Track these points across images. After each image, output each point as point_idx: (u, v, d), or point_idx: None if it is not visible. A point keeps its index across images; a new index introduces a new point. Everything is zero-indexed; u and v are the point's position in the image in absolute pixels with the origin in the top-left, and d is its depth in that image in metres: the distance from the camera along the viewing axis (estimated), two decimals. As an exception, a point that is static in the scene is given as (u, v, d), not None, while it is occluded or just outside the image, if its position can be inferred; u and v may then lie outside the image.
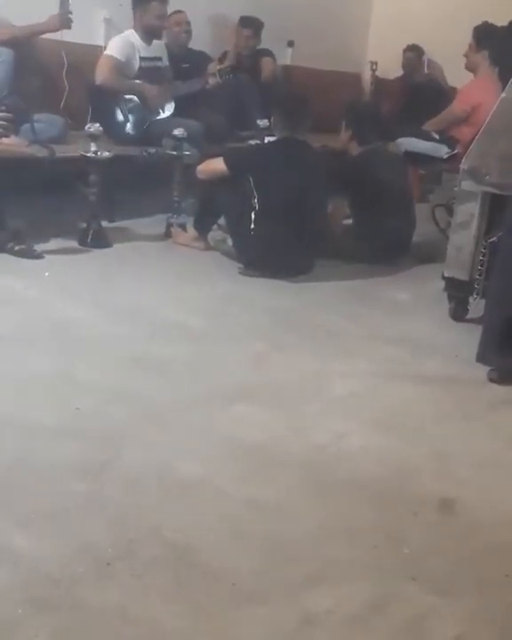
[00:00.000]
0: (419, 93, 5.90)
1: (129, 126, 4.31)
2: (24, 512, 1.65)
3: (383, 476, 1.92)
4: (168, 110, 4.45)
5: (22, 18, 3.91)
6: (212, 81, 4.56)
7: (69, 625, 1.37)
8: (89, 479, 1.78)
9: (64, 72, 4.35)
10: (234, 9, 5.36)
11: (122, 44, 4.34)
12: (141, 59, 4.40)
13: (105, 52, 4.36)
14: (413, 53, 6.21)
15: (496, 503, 1.86)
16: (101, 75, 4.27)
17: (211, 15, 5.31)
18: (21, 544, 1.54)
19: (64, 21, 3.91)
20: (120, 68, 4.31)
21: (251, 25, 5.21)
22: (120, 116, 4.30)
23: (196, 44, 5.01)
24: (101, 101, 4.30)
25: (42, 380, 2.27)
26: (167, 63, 4.58)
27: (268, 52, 5.45)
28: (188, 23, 4.86)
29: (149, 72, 4.44)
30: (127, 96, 4.30)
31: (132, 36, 4.39)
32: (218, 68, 4.58)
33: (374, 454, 2.02)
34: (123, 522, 1.64)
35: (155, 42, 4.47)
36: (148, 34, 4.40)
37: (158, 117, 4.39)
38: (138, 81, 4.37)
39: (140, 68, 4.40)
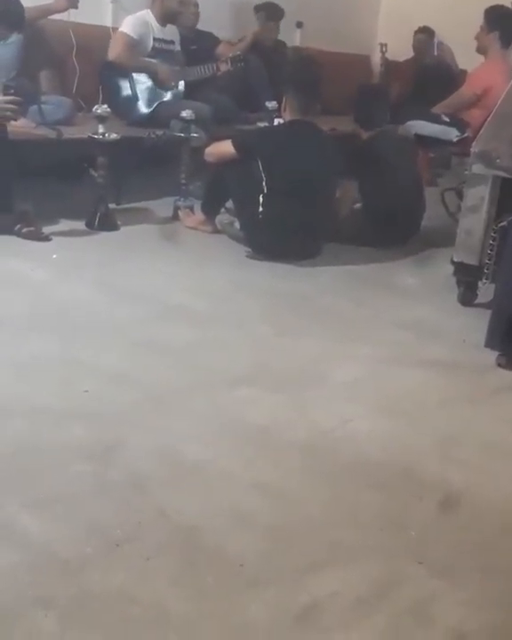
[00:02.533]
0: (429, 76, 5.85)
1: (139, 105, 4.30)
2: (32, 494, 1.66)
3: (389, 460, 1.92)
4: (178, 91, 4.44)
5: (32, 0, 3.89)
6: (223, 68, 4.54)
7: (78, 606, 1.38)
8: (96, 462, 1.79)
9: (74, 54, 4.33)
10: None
11: (137, 22, 4.35)
12: (155, 39, 4.41)
13: (119, 29, 4.36)
14: (424, 35, 6.15)
15: (502, 488, 1.86)
16: (115, 51, 4.28)
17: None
18: (30, 526, 1.55)
19: (71, 1, 3.89)
20: (133, 45, 4.31)
21: (275, 16, 5.26)
22: (130, 95, 4.28)
23: (205, 26, 4.97)
24: (112, 79, 4.29)
25: (48, 362, 2.28)
26: (179, 48, 4.57)
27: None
28: (196, 5, 4.84)
29: (162, 54, 4.44)
30: (137, 76, 4.28)
31: (147, 15, 4.40)
32: (230, 55, 4.56)
33: (380, 439, 2.02)
34: (130, 504, 1.65)
35: (168, 25, 4.46)
36: (164, 17, 4.41)
37: (168, 98, 4.38)
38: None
39: (154, 48, 4.41)
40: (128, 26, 4.34)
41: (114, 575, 1.46)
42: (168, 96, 4.40)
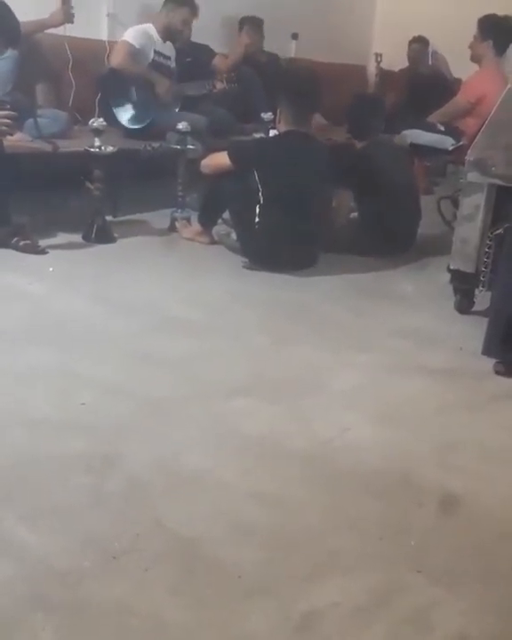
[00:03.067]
0: (424, 85, 5.89)
1: (136, 115, 4.32)
2: (29, 506, 1.65)
3: (388, 467, 1.92)
4: (174, 107, 4.48)
5: (27, 15, 3.91)
6: (219, 86, 4.58)
7: (75, 619, 1.37)
8: (93, 473, 1.78)
9: (69, 68, 4.36)
10: (238, 2, 5.36)
11: (140, 33, 4.41)
12: (155, 52, 4.44)
13: (122, 38, 4.41)
14: (419, 45, 6.19)
15: (501, 495, 1.85)
16: (117, 58, 4.33)
17: (216, 9, 5.30)
18: (27, 538, 1.55)
19: (67, 16, 3.92)
20: (135, 54, 4.35)
21: (251, 22, 5.33)
22: (128, 104, 4.31)
23: (199, 38, 5.01)
24: (111, 89, 4.32)
25: (45, 374, 2.28)
26: (175, 65, 4.61)
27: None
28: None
29: (160, 68, 4.49)
30: (135, 87, 4.31)
31: (150, 28, 4.46)
32: (225, 75, 4.61)
33: (379, 446, 2.02)
34: (128, 516, 1.65)
35: (168, 42, 4.51)
36: (166, 33, 4.48)
37: (164, 112, 4.40)
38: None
39: (154, 60, 4.44)
40: (131, 35, 4.39)
41: (112, 587, 1.45)
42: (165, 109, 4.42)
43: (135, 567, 1.50)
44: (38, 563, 1.49)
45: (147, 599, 1.43)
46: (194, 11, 4.53)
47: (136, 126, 4.32)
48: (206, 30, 4.95)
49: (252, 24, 5.34)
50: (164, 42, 4.52)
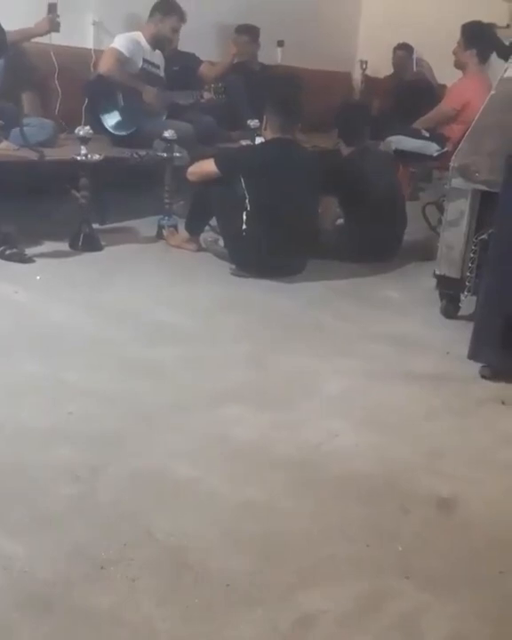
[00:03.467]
0: (409, 92, 5.92)
1: (122, 122, 4.32)
2: (17, 516, 1.65)
3: (376, 473, 1.93)
4: (161, 115, 4.48)
5: (11, 22, 3.91)
6: (206, 96, 4.60)
7: (63, 629, 1.36)
8: (81, 483, 1.78)
9: (55, 77, 4.35)
10: (224, 10, 5.38)
11: (129, 41, 4.42)
12: (144, 60, 4.45)
13: (111, 45, 4.42)
14: (403, 52, 6.24)
15: (488, 500, 1.86)
16: (105, 65, 4.33)
17: (202, 17, 5.32)
18: (14, 549, 1.54)
19: (52, 25, 3.92)
20: (124, 61, 4.36)
21: (247, 31, 5.35)
22: (114, 111, 4.31)
23: (186, 46, 5.02)
24: (98, 95, 4.32)
25: (33, 383, 2.27)
26: (163, 74, 4.62)
27: None
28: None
29: (148, 77, 4.49)
30: (123, 94, 4.31)
31: (138, 36, 4.47)
32: (212, 85, 4.62)
33: (367, 452, 2.03)
34: (116, 525, 1.64)
35: (157, 51, 4.52)
36: (155, 41, 4.49)
37: (151, 119, 4.40)
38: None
39: (142, 68, 4.45)
40: (120, 42, 4.39)
41: (100, 597, 1.44)
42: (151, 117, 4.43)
43: (123, 577, 1.49)
44: (25, 573, 1.48)
45: (135, 609, 1.42)
46: (182, 18, 4.55)
47: (122, 133, 4.32)
48: (193, 38, 4.97)
49: (242, 33, 5.36)
50: (153, 50, 4.53)
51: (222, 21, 5.45)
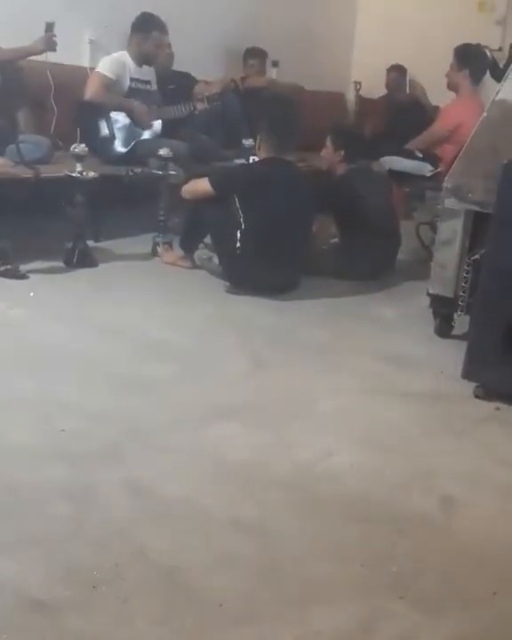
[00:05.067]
0: (402, 113, 5.97)
1: (116, 144, 4.33)
2: (8, 535, 1.63)
3: (369, 493, 1.92)
4: (155, 130, 4.50)
5: (8, 40, 3.94)
6: (200, 106, 4.62)
7: (54, 650, 1.35)
8: (73, 502, 1.77)
9: (52, 95, 4.37)
10: (219, 30, 5.44)
11: (113, 63, 4.42)
12: (132, 79, 4.47)
13: (96, 70, 4.42)
14: (396, 73, 6.30)
15: (482, 520, 1.86)
16: (91, 90, 4.33)
17: (198, 38, 5.37)
18: (6, 568, 1.53)
19: (49, 44, 3.94)
20: (110, 85, 4.37)
21: (257, 55, 5.55)
22: (107, 134, 4.32)
23: (182, 66, 5.06)
24: (88, 119, 4.33)
25: (25, 401, 2.26)
26: (156, 88, 4.64)
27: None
28: (169, 45, 4.92)
29: (139, 93, 4.50)
30: (114, 115, 4.33)
31: (124, 56, 4.47)
32: (206, 94, 4.65)
33: (360, 472, 2.02)
34: (108, 545, 1.63)
35: (145, 66, 4.54)
36: (140, 58, 4.49)
37: (144, 137, 4.43)
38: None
39: (130, 88, 4.47)
40: (104, 66, 4.40)
41: (92, 617, 1.43)
42: (146, 134, 4.45)
43: (115, 597, 1.48)
44: (17, 593, 1.47)
45: (127, 629, 1.41)
46: (163, 30, 4.50)
47: (114, 155, 4.33)
48: (189, 58, 5.01)
49: (260, 58, 5.60)
50: (141, 66, 4.53)
51: (218, 42, 5.50)
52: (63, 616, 1.42)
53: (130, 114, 4.36)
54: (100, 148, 4.26)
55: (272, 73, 6.07)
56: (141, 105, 4.41)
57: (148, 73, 4.59)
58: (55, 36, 3.91)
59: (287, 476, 1.97)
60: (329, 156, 4.05)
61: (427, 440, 2.25)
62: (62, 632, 1.38)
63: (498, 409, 2.46)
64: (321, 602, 1.53)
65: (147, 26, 4.46)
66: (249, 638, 1.42)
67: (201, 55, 5.40)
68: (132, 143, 4.36)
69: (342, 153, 3.99)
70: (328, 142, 4.06)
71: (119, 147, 4.33)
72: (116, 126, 4.35)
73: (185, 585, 1.53)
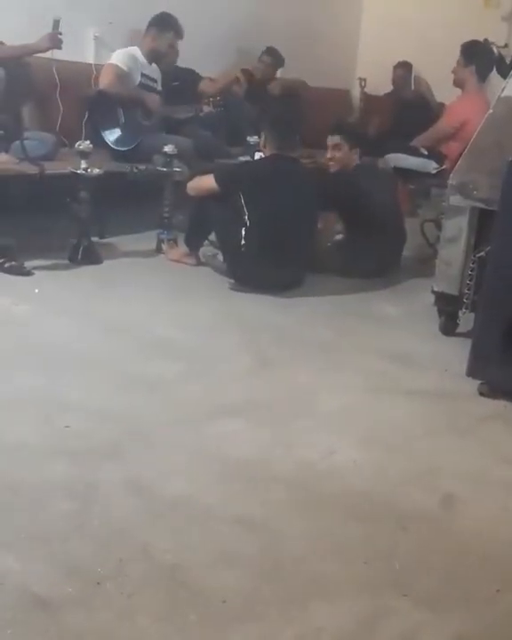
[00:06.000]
0: (407, 110, 5.95)
1: (122, 137, 4.34)
2: (12, 532, 1.64)
3: (373, 491, 1.92)
4: (160, 130, 4.51)
5: (13, 37, 3.94)
6: (205, 109, 4.63)
7: (58, 646, 1.35)
8: (77, 498, 1.77)
9: (57, 92, 4.37)
10: (223, 27, 5.42)
11: (127, 55, 4.45)
12: (142, 75, 4.48)
13: (109, 61, 4.45)
14: (403, 70, 6.27)
15: (486, 517, 1.85)
16: (105, 80, 4.37)
17: (202, 34, 5.36)
18: (9, 565, 1.53)
19: (54, 42, 3.93)
20: (123, 76, 4.39)
21: (272, 54, 5.69)
22: (116, 127, 4.33)
23: (186, 62, 5.06)
24: (99, 110, 4.34)
25: (29, 398, 2.26)
26: (161, 88, 4.66)
27: None
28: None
29: (147, 89, 4.51)
30: (123, 109, 4.34)
31: (135, 51, 4.51)
32: (210, 99, 4.67)
33: (364, 469, 2.02)
34: (111, 541, 1.63)
35: (153, 65, 4.55)
36: (152, 56, 4.53)
37: (150, 132, 4.43)
38: None
39: (141, 83, 4.48)
40: (119, 58, 4.43)
41: (95, 614, 1.43)
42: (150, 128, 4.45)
43: (119, 593, 1.48)
44: (21, 590, 1.47)
45: (130, 625, 1.41)
46: (179, 34, 4.58)
47: (123, 148, 4.33)
48: (193, 55, 5.00)
49: (273, 57, 5.69)
50: (150, 64, 4.56)
51: (223, 39, 5.48)
52: (66, 613, 1.42)
53: (141, 105, 4.38)
54: (108, 139, 4.28)
55: (277, 70, 6.06)
56: (153, 96, 4.43)
57: (155, 72, 4.61)
58: (61, 33, 3.90)
59: (290, 474, 1.97)
60: (345, 155, 3.98)
61: (431, 438, 2.25)
62: (65, 629, 1.39)
63: (506, 407, 2.45)
64: (324, 599, 1.53)
65: (165, 25, 4.50)
66: (251, 635, 1.42)
67: (205, 52, 5.39)
68: (137, 141, 4.36)
69: (358, 151, 3.97)
70: (337, 140, 3.98)
71: (126, 141, 4.33)
72: (125, 121, 4.35)
73: (188, 582, 1.53)
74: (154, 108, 4.42)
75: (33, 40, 3.96)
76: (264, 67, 5.71)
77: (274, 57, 5.73)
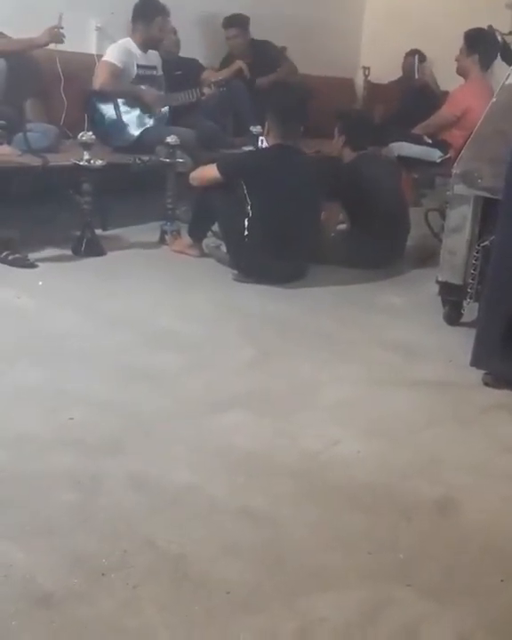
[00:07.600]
0: (412, 98, 5.92)
1: (125, 132, 4.33)
2: (17, 524, 1.64)
3: (377, 481, 1.92)
4: (163, 115, 4.48)
5: (15, 30, 3.93)
6: (207, 92, 4.60)
7: (64, 636, 1.36)
8: (82, 490, 1.77)
9: (61, 86, 4.36)
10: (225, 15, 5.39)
11: (120, 50, 4.42)
12: (138, 66, 4.47)
13: (103, 59, 4.42)
14: (413, 58, 6.21)
15: (490, 508, 1.85)
16: (100, 79, 4.34)
17: (202, 23, 5.34)
18: (14, 556, 1.54)
19: (55, 36, 3.91)
20: (118, 73, 4.37)
21: (233, 24, 5.27)
22: (116, 122, 4.31)
23: (188, 52, 5.04)
24: (97, 107, 4.33)
25: (33, 390, 2.27)
26: (161, 73, 4.63)
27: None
28: (175, 31, 4.91)
29: (145, 79, 4.51)
30: (122, 103, 4.32)
31: (128, 43, 4.46)
32: (212, 80, 4.63)
33: (368, 460, 2.02)
34: (116, 532, 1.64)
35: (150, 51, 4.52)
36: (145, 44, 4.49)
37: (152, 124, 4.41)
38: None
39: (137, 75, 4.47)
40: (111, 54, 4.40)
41: (100, 604, 1.44)
42: (150, 122, 4.43)
43: (123, 584, 1.49)
44: (26, 580, 1.48)
45: (135, 616, 1.42)
46: (165, 14, 4.49)
47: (123, 144, 4.31)
48: (195, 45, 4.98)
49: (228, 26, 5.34)
50: (146, 52, 4.52)
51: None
52: (71, 604, 1.43)
53: (139, 100, 4.36)
54: (109, 135, 4.26)
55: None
56: (150, 90, 4.41)
57: (153, 58, 4.58)
58: (62, 27, 3.88)
59: (294, 465, 1.97)
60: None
61: (434, 428, 2.24)
62: (70, 620, 1.39)
63: (510, 397, 2.45)
64: (327, 589, 1.53)
65: (148, 12, 4.45)
66: (255, 625, 1.42)
67: (206, 42, 5.37)
68: (140, 131, 4.35)
69: (343, 139, 3.95)
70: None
71: (128, 134, 4.32)
72: (125, 115, 4.34)
73: (192, 573, 1.54)
74: (152, 103, 4.39)
75: (31, 31, 3.96)
76: (235, 41, 5.29)
77: (237, 25, 5.21)
